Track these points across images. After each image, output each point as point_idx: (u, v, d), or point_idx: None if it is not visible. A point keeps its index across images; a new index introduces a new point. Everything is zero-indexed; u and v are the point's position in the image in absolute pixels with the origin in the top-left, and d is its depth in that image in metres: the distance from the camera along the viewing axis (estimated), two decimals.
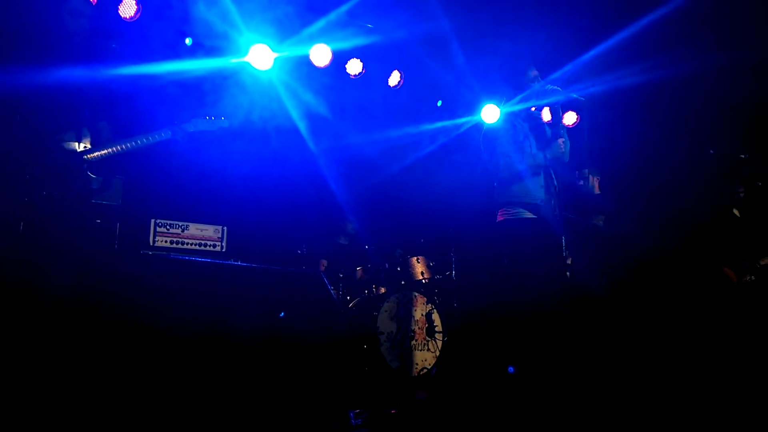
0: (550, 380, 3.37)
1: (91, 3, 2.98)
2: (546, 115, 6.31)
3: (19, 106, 2.70)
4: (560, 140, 3.71)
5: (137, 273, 3.02)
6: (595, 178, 5.25)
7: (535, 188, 3.54)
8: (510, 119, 3.72)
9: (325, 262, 5.67)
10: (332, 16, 5.05)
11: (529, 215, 3.52)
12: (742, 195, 5.03)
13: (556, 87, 3.69)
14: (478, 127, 3.88)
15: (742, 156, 4.73)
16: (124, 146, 2.95)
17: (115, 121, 3.16)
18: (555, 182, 3.67)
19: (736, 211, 5.07)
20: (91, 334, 2.72)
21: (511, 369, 3.50)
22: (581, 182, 5.20)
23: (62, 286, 2.74)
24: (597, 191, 5.22)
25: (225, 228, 4.72)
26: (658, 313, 5.15)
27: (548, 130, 3.81)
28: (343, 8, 5.05)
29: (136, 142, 2.97)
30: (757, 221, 5.09)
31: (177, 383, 2.88)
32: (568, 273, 4.79)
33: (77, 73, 2.84)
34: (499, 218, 3.65)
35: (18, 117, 2.69)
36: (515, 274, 3.54)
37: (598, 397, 3.32)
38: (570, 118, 6.52)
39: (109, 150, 2.91)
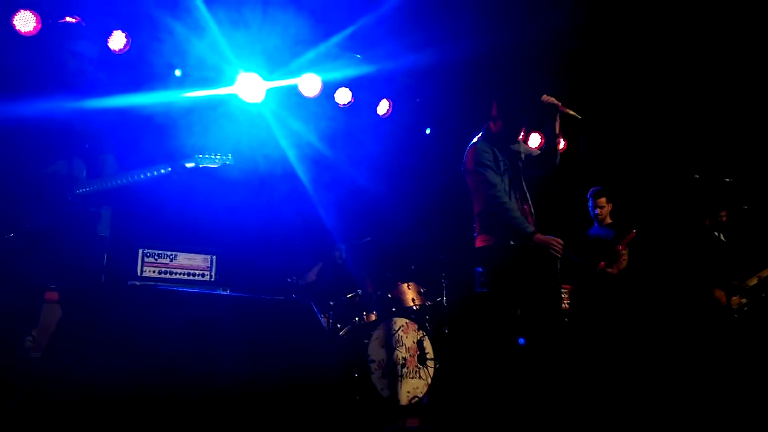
0: (546, 402, 3.34)
1: (97, 47, 2.97)
2: (534, 140, 6.35)
3: (7, 139, 2.71)
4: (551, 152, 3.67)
5: (124, 304, 3.00)
6: (609, 206, 5.01)
7: (518, 217, 3.44)
8: (493, 149, 3.57)
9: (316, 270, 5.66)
10: (321, 48, 5.14)
11: (512, 243, 3.41)
12: (724, 219, 5.07)
13: (552, 99, 3.54)
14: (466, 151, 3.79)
15: (727, 180, 4.78)
16: (121, 181, 2.94)
17: (116, 154, 3.15)
18: (532, 210, 3.59)
19: (721, 236, 5.10)
20: (80, 367, 2.69)
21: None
22: (597, 210, 4.99)
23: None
24: (609, 220, 4.99)
25: (214, 257, 4.71)
26: (652, 339, 5.15)
27: (535, 154, 3.75)
28: (332, 40, 5.14)
29: (133, 177, 2.96)
30: (743, 243, 5.13)
31: (166, 415, 2.84)
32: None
33: (73, 106, 2.85)
34: (479, 244, 3.54)
35: (6, 151, 2.70)
36: (502, 300, 3.46)
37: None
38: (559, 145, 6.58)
39: (106, 184, 2.90)
